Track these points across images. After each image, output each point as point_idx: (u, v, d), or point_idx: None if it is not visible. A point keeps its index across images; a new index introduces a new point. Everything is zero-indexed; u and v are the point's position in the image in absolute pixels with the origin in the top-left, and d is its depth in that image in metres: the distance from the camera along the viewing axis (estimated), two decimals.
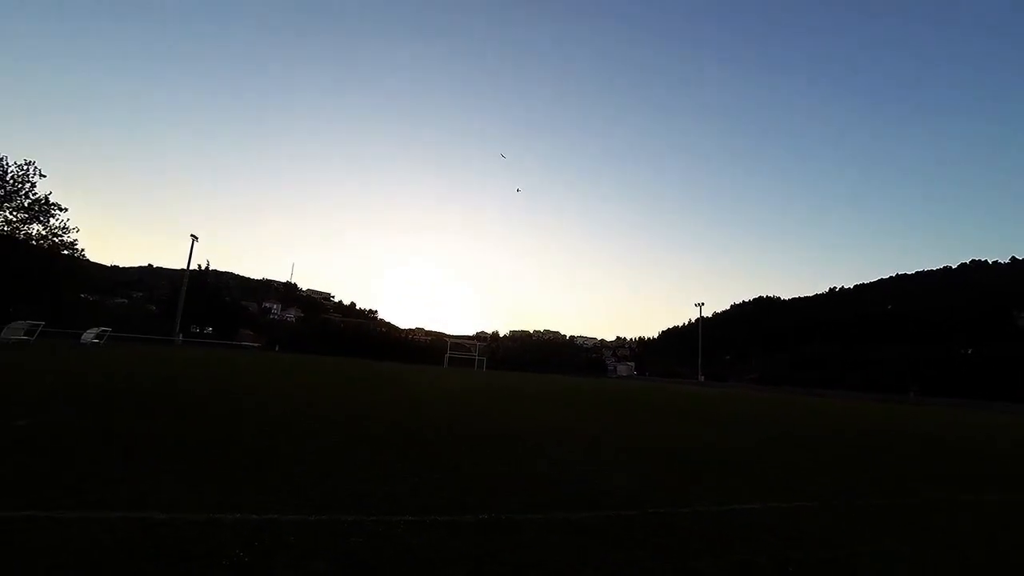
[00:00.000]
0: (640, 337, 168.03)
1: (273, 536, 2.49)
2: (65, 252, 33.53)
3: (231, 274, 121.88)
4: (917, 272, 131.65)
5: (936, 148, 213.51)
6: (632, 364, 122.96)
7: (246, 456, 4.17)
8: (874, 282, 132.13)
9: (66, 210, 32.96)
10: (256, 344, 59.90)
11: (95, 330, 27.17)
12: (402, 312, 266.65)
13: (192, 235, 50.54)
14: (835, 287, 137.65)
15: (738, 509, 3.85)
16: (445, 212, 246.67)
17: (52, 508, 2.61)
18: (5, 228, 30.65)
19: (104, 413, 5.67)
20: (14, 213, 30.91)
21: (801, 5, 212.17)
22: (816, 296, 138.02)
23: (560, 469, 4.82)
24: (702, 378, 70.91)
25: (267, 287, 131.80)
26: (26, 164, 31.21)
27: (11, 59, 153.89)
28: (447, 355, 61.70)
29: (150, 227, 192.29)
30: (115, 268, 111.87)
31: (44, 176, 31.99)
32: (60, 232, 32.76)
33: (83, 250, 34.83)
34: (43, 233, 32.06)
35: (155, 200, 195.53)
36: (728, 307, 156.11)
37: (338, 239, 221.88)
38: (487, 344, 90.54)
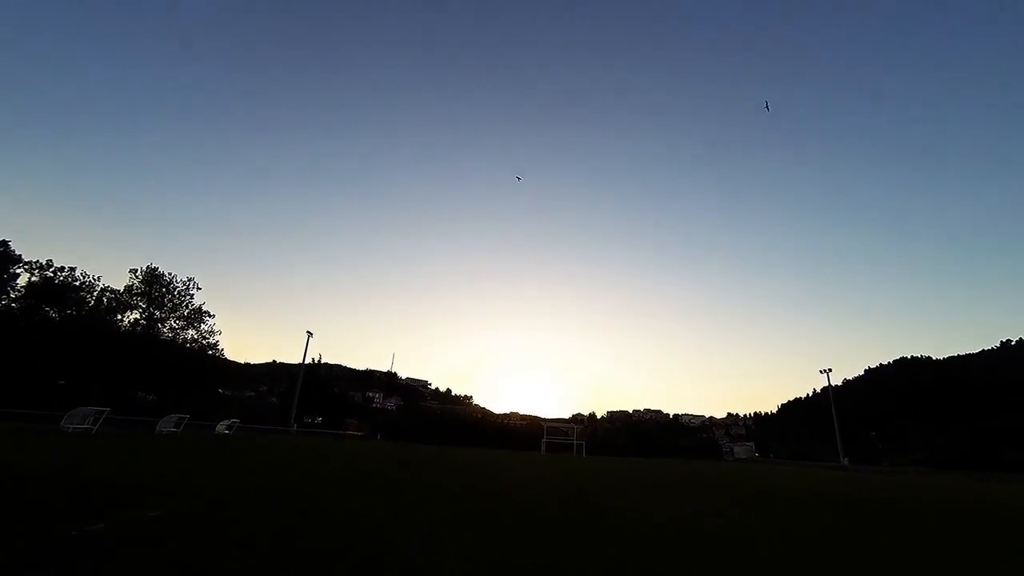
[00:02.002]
0: (755, 413, 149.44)
1: None
2: (210, 352, 38.91)
3: (340, 366, 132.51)
4: None
5: None
6: (751, 444, 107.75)
7: (336, 564, 3.69)
8: None
9: (214, 316, 38.92)
10: (359, 433, 62.51)
11: (227, 421, 30.16)
12: (496, 396, 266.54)
13: (308, 332, 56.32)
14: (1009, 339, 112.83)
15: None
16: (537, 294, 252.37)
17: None
18: (169, 335, 36.68)
19: (221, 505, 5.69)
20: (177, 321, 37.09)
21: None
22: (983, 352, 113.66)
23: None
24: (845, 460, 59.30)
25: (370, 377, 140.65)
26: (188, 280, 37.99)
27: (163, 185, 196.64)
28: (544, 440, 58.93)
29: (275, 327, 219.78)
30: (247, 365, 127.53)
31: (200, 289, 38.57)
32: (208, 335, 38.44)
33: (223, 350, 40.22)
34: (195, 337, 37.84)
35: (279, 303, 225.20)
36: (862, 372, 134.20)
37: (435, 328, 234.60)
38: (584, 427, 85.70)
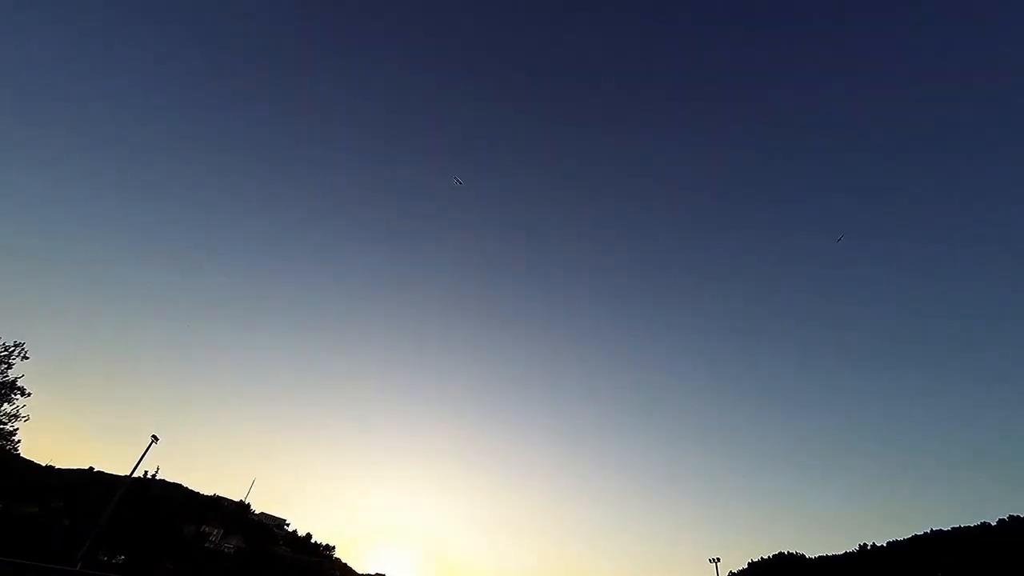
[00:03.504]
0: None
1: None
2: None
3: (179, 486, 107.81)
4: (954, 528, 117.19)
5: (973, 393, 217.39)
6: None
7: None
8: (908, 539, 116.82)
9: (29, 395, 30.50)
10: None
11: None
12: (362, 552, 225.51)
13: (153, 436, 45.83)
14: (866, 544, 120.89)
15: None
16: (422, 460, 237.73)
17: None
18: None
19: None
20: None
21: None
22: (847, 554, 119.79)
23: None
24: None
25: (217, 504, 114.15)
26: (13, 345, 30.34)
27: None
28: None
29: (104, 427, 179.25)
30: (49, 468, 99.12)
31: (27, 359, 30.67)
32: (8, 420, 29.57)
33: (19, 442, 30.74)
34: None
35: (117, 400, 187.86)
36: (746, 565, 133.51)
37: (303, 466, 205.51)
38: None
